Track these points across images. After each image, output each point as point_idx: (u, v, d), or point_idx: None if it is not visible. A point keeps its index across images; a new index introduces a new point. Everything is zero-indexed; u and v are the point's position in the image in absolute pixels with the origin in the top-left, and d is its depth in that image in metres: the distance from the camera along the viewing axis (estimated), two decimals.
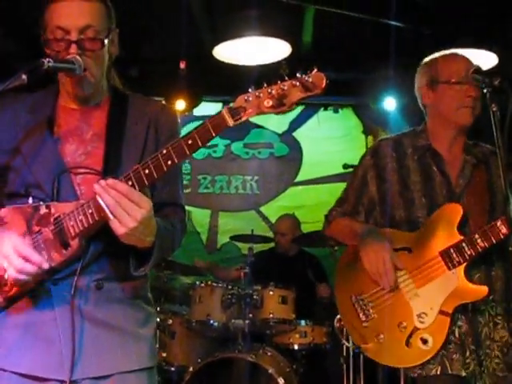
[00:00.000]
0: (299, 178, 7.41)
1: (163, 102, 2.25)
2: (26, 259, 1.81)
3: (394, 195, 2.68)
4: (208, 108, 7.13)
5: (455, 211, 2.56)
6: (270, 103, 1.70)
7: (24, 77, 1.81)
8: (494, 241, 2.46)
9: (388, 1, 4.76)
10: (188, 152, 1.75)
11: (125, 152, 2.00)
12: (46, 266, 1.83)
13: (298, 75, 1.70)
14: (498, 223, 2.46)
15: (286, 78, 1.70)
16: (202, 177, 7.44)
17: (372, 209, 2.77)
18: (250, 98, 1.71)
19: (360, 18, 5.18)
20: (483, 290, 2.48)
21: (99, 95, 2.09)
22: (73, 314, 1.87)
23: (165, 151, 1.76)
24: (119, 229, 1.75)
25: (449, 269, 2.51)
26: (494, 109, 2.27)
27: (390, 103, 6.26)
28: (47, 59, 1.87)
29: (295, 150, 7.45)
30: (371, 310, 2.61)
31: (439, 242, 2.55)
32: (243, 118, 1.73)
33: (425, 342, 2.48)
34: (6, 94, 1.85)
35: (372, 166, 2.76)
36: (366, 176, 2.77)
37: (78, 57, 1.92)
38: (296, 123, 7.43)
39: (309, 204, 7.18)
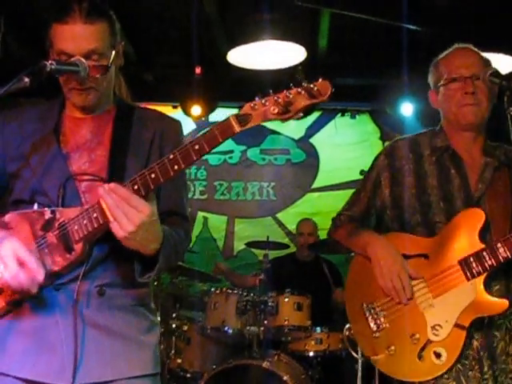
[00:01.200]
0: (316, 185, 7.39)
1: (168, 115, 2.26)
2: (23, 264, 1.81)
3: (409, 199, 2.55)
4: (223, 113, 7.14)
5: (477, 217, 2.41)
6: (276, 110, 1.74)
7: (27, 79, 1.80)
8: None
9: (405, 4, 4.74)
10: (195, 157, 1.78)
11: (129, 160, 2.02)
12: (40, 277, 1.82)
13: (303, 84, 1.74)
14: None
15: (292, 86, 1.74)
16: (219, 183, 7.45)
17: (383, 212, 2.65)
18: (257, 106, 1.75)
19: (377, 22, 5.17)
20: (503, 303, 2.33)
21: (105, 104, 2.12)
22: (75, 319, 1.89)
23: (171, 156, 1.78)
24: (119, 232, 1.77)
25: (467, 279, 2.36)
26: None
27: (407, 108, 6.23)
28: (50, 61, 1.87)
29: (312, 156, 7.44)
30: (383, 320, 2.47)
31: (458, 249, 2.40)
32: (249, 125, 1.76)
33: (438, 355, 2.34)
34: (15, 103, 1.87)
35: (386, 167, 2.63)
36: (379, 177, 2.64)
37: (82, 59, 1.93)
38: (313, 129, 7.43)
39: (325, 210, 7.10)
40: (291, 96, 1.73)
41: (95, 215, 1.83)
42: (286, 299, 4.88)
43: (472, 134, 2.55)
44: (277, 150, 7.45)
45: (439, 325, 2.36)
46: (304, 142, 7.45)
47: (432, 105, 2.66)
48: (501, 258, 2.32)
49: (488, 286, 2.37)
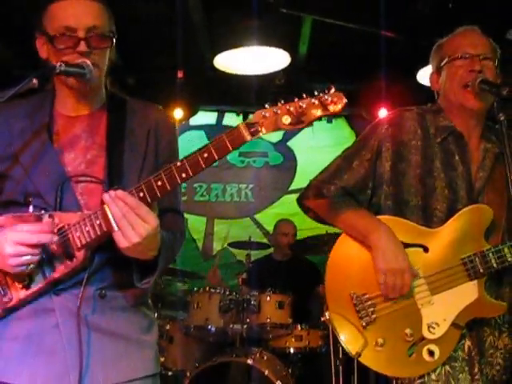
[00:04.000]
0: (293, 186, 7.52)
1: (161, 108, 2.22)
2: (31, 245, 1.77)
3: (412, 178, 2.40)
4: (204, 117, 7.24)
5: (486, 215, 2.32)
6: (289, 120, 1.70)
7: (35, 81, 1.79)
8: None
9: (384, 12, 4.84)
10: (204, 165, 1.72)
11: (126, 160, 1.97)
12: (52, 239, 1.79)
13: (316, 93, 1.71)
14: None
15: (305, 96, 1.71)
16: (198, 185, 7.53)
17: (378, 187, 2.46)
18: (268, 114, 1.71)
19: (356, 30, 5.25)
20: (502, 306, 2.31)
21: (98, 100, 2.06)
22: (79, 325, 1.84)
23: (179, 164, 1.73)
24: (122, 242, 1.72)
25: (470, 279, 2.29)
26: (502, 118, 2.22)
27: (383, 113, 6.31)
28: (59, 63, 1.85)
29: (289, 159, 7.60)
30: (374, 313, 2.33)
31: (463, 246, 2.31)
32: (260, 133, 1.73)
33: (431, 353, 2.27)
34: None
35: (390, 138, 2.44)
36: (380, 147, 2.44)
37: (87, 61, 1.90)
38: (290, 133, 7.54)
39: (302, 212, 7.24)
40: (304, 106, 1.69)
41: (98, 222, 1.77)
42: (268, 298, 4.98)
43: (473, 120, 2.44)
44: (255, 152, 7.58)
45: (436, 323, 2.29)
46: (282, 146, 7.60)
47: (432, 87, 2.52)
48: (507, 263, 2.27)
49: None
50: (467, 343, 2.32)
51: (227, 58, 5.01)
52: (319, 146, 7.51)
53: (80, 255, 1.82)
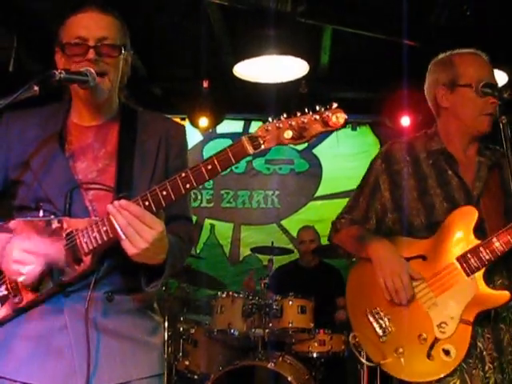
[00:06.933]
0: (319, 193, 7.59)
1: (171, 118, 2.26)
2: (37, 255, 1.84)
3: (411, 201, 2.58)
4: (230, 125, 7.34)
5: (470, 214, 2.45)
6: (290, 135, 1.73)
7: (36, 88, 1.81)
8: None
9: (404, 21, 4.87)
10: (207, 177, 1.76)
11: (136, 169, 2.01)
12: (61, 262, 1.86)
13: (317, 109, 1.73)
14: None
15: (307, 111, 1.73)
16: (225, 192, 7.63)
17: (384, 215, 2.65)
18: (270, 128, 1.74)
19: (377, 38, 5.29)
20: (505, 295, 2.38)
21: (110, 111, 2.11)
22: (87, 327, 1.87)
23: (184, 174, 1.78)
24: (130, 249, 1.77)
25: (467, 275, 2.40)
26: (504, 121, 2.26)
27: (405, 121, 6.40)
28: (59, 70, 1.89)
29: (315, 165, 7.64)
30: (388, 324, 2.48)
31: (455, 247, 2.44)
32: (262, 147, 1.75)
33: (447, 353, 2.36)
34: (15, 108, 1.86)
35: (384, 171, 2.65)
36: (377, 181, 2.66)
37: (91, 69, 1.94)
38: (315, 140, 7.41)
39: (328, 218, 7.19)
40: (306, 121, 1.71)
41: (105, 229, 1.82)
42: (290, 302, 5.02)
43: (473, 138, 2.59)
44: (281, 160, 7.64)
45: (445, 322, 2.39)
46: (307, 153, 7.64)
47: (440, 101, 2.60)
48: (497, 251, 2.35)
49: (490, 280, 2.42)
50: (480, 343, 2.40)
51: (248, 66, 5.09)
52: (344, 153, 7.58)
53: (87, 260, 1.86)
